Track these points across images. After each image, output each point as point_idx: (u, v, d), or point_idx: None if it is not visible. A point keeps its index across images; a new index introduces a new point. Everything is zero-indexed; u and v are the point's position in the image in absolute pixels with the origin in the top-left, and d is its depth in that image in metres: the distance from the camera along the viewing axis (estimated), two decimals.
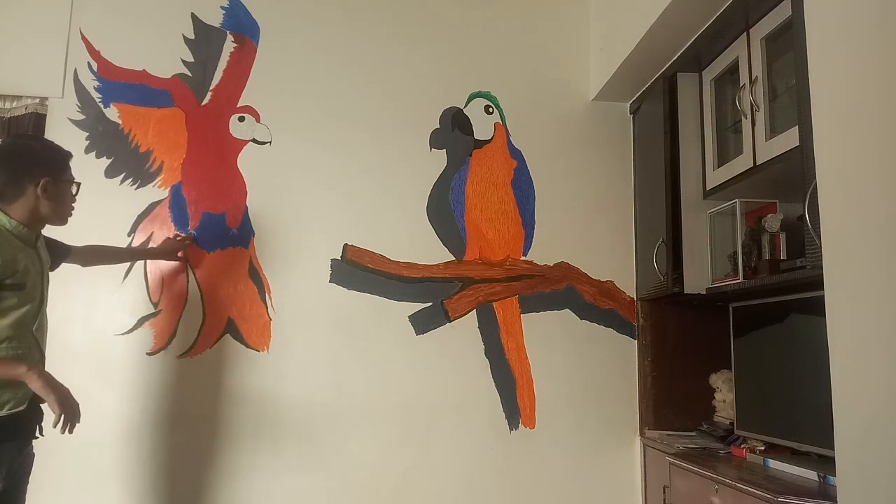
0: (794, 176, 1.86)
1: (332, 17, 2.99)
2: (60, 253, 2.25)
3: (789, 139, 1.96)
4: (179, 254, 2.77)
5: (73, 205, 2.07)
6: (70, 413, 1.82)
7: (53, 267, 2.21)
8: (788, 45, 2.01)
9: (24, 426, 1.89)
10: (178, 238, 2.78)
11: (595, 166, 3.03)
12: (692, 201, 2.57)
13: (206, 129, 2.88)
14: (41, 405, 1.93)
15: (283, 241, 2.84)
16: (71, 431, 1.83)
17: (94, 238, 2.48)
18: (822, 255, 1.47)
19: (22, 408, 1.85)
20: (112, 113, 2.86)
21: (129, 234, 2.78)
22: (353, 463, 2.75)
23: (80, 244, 2.33)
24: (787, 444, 2.15)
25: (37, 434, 1.96)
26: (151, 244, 2.78)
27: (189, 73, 2.91)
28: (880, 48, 1.32)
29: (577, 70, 3.08)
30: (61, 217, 2.02)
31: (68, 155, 2.06)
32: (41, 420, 1.96)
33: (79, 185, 2.07)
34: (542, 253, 2.95)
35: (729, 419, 2.60)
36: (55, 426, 1.80)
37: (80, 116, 2.85)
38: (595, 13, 3.06)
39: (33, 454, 2.02)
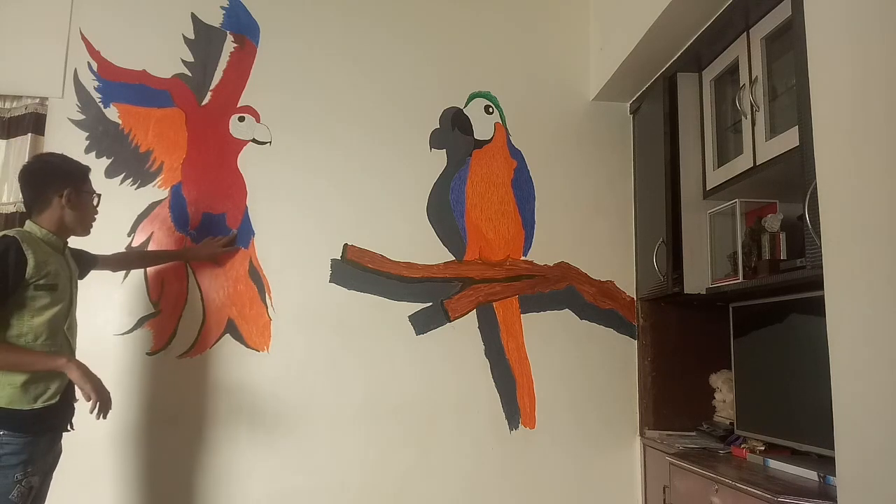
0: (794, 176, 1.86)
1: (332, 17, 2.99)
2: (87, 262, 2.38)
3: (789, 139, 1.96)
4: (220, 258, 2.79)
5: (96, 216, 2.21)
6: (105, 401, 1.99)
7: (82, 276, 2.33)
8: (788, 45, 2.01)
9: (56, 420, 2.03)
10: (220, 240, 2.78)
11: (595, 166, 3.03)
12: (692, 201, 2.57)
13: (206, 129, 2.88)
14: (73, 401, 2.08)
15: (283, 241, 2.84)
16: (105, 417, 1.99)
17: (94, 238, 2.46)
18: (822, 255, 1.47)
19: (54, 401, 1.99)
20: (112, 113, 2.86)
21: (129, 235, 2.78)
22: (353, 463, 2.75)
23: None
24: (787, 444, 2.15)
25: (68, 427, 2.09)
26: (152, 244, 2.78)
27: (189, 73, 2.91)
28: (880, 48, 1.32)
29: (577, 70, 3.08)
30: (84, 227, 2.18)
31: (87, 168, 2.20)
32: (73, 415, 2.10)
33: (99, 196, 2.21)
34: (542, 253, 2.95)
35: (729, 419, 2.60)
36: (91, 412, 1.96)
37: (80, 116, 2.85)
38: (595, 13, 3.06)
39: (61, 449, 2.12)
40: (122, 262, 2.67)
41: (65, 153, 2.24)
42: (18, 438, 1.90)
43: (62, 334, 2.05)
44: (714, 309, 2.70)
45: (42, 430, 1.97)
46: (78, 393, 2.03)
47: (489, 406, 2.84)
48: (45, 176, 2.09)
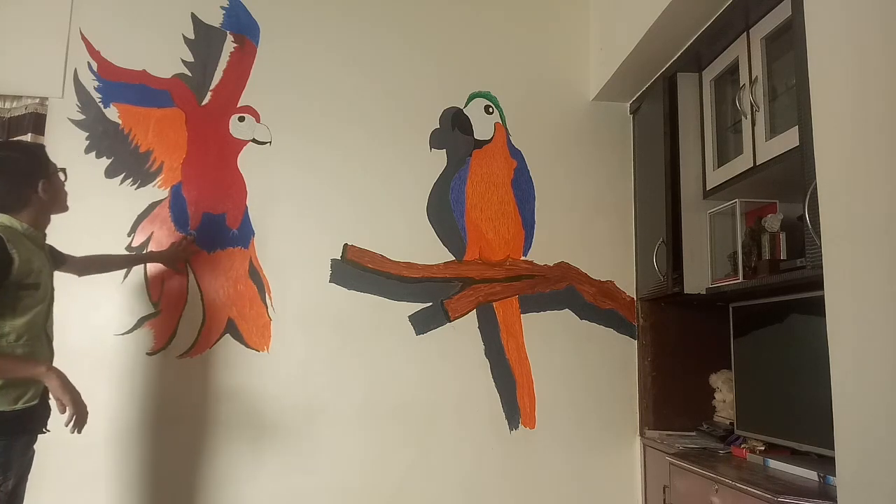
0: (794, 176, 1.86)
1: (332, 17, 2.99)
2: (57, 261, 2.27)
3: (789, 139, 1.96)
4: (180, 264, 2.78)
5: (66, 189, 2.15)
6: (81, 414, 1.90)
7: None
8: (788, 45, 2.01)
9: (35, 421, 1.97)
10: (181, 241, 2.77)
11: (595, 166, 3.03)
12: (692, 201, 2.57)
13: (206, 129, 2.88)
14: (48, 401, 2.01)
15: (283, 241, 2.84)
16: (80, 431, 1.90)
17: (94, 238, 2.48)
18: (822, 255, 1.47)
19: (35, 402, 1.94)
20: (112, 113, 2.86)
21: (129, 235, 2.78)
22: (353, 463, 2.75)
23: (80, 244, 2.33)
24: (787, 444, 2.15)
25: (43, 430, 2.03)
26: (152, 244, 2.78)
27: (189, 73, 2.91)
28: (880, 48, 1.32)
29: (577, 70, 3.08)
30: (61, 206, 2.13)
31: (42, 147, 2.15)
32: (49, 416, 2.03)
33: (64, 170, 2.14)
34: (542, 253, 2.95)
35: (729, 419, 2.60)
36: (67, 425, 1.88)
37: (80, 116, 2.85)
38: (595, 13, 3.06)
39: (34, 451, 2.06)
40: (89, 265, 2.51)
41: (42, 145, 2.20)
42: None
43: (43, 334, 2.01)
44: (714, 309, 2.70)
45: (20, 431, 1.92)
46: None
47: (489, 406, 2.84)
48: (14, 172, 1.99)
